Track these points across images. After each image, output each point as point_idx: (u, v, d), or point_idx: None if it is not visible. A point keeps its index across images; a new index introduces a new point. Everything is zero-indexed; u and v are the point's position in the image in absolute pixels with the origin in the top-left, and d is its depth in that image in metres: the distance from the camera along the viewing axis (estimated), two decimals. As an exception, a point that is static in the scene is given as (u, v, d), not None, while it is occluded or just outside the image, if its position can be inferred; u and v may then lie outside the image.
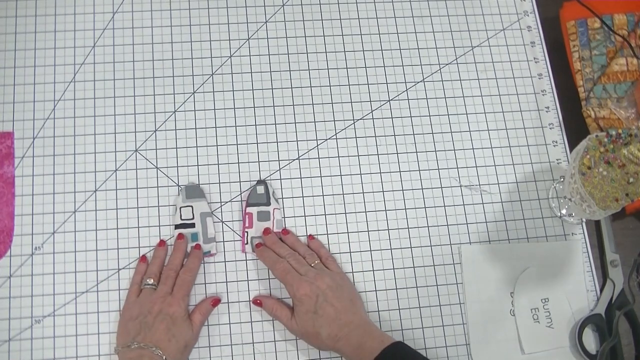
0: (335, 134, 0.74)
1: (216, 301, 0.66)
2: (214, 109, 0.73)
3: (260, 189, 0.70)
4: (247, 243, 0.68)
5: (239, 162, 0.72)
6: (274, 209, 0.69)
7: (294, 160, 0.72)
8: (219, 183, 0.71)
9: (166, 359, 0.59)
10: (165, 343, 0.60)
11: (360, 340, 0.60)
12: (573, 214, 0.72)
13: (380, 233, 0.70)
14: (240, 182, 0.71)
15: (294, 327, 0.63)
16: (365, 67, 0.76)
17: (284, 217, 0.70)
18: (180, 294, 0.63)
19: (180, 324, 0.62)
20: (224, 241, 0.69)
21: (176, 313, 0.62)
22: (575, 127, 0.75)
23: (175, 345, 0.60)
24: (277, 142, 0.73)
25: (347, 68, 0.76)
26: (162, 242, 0.67)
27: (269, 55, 0.76)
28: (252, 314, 0.67)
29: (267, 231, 0.68)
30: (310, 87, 0.75)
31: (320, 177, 0.72)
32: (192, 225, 0.68)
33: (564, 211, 0.72)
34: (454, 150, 0.74)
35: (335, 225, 0.70)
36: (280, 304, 0.65)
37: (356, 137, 0.74)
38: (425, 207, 0.72)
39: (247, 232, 0.68)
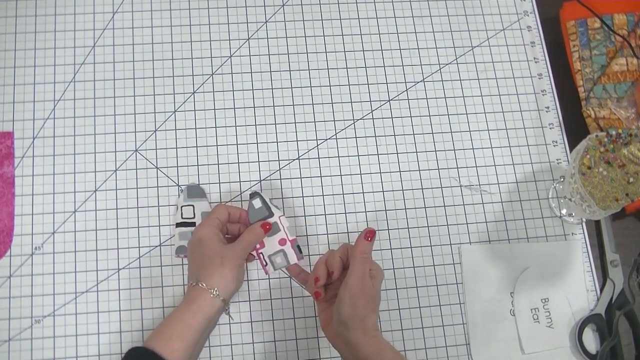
0: (335, 134, 0.74)
1: (265, 225, 0.62)
2: (214, 109, 0.73)
3: (257, 203, 0.64)
4: (266, 264, 0.64)
5: (239, 162, 0.72)
6: (279, 216, 0.64)
7: (294, 160, 0.72)
8: (219, 183, 0.71)
9: (201, 284, 0.56)
10: (194, 265, 0.58)
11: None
12: (573, 214, 0.72)
13: (380, 233, 0.70)
14: (240, 182, 0.71)
15: (366, 287, 0.57)
16: (365, 67, 0.76)
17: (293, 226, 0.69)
18: (210, 215, 0.61)
19: (201, 246, 0.59)
20: (224, 241, 0.69)
21: (203, 235, 0.59)
22: (575, 127, 0.75)
23: (206, 266, 0.57)
24: (277, 142, 0.73)
25: (347, 68, 0.76)
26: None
27: (269, 55, 0.76)
28: (252, 314, 0.67)
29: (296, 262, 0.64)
30: (310, 87, 0.75)
31: (320, 177, 0.72)
32: (193, 224, 0.68)
33: (564, 211, 0.72)
34: (454, 150, 0.74)
35: (335, 225, 0.70)
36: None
37: (356, 137, 0.74)
38: (425, 207, 0.72)
39: (261, 253, 0.64)
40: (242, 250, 0.60)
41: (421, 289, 0.69)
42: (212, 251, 0.58)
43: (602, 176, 0.60)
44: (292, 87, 0.75)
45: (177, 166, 0.71)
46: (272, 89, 0.75)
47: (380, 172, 0.73)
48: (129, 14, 0.76)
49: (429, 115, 0.75)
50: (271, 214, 0.64)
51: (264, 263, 0.64)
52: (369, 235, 0.59)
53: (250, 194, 0.64)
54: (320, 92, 0.75)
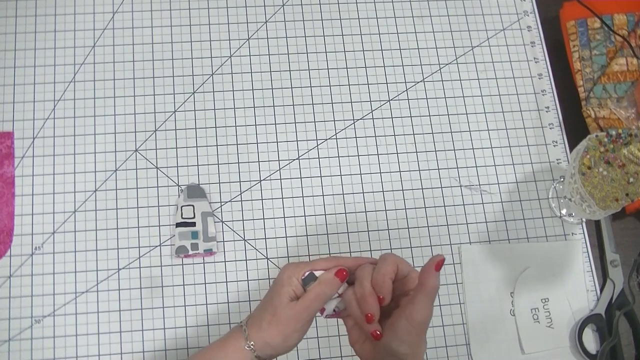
0: (335, 134, 0.74)
1: (340, 273, 0.50)
2: (214, 109, 0.73)
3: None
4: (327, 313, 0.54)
5: (239, 162, 0.72)
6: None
7: (294, 160, 0.72)
8: (219, 183, 0.71)
9: (245, 329, 0.50)
10: (261, 303, 0.51)
11: None
12: (573, 214, 0.72)
13: (380, 233, 0.70)
14: (240, 182, 0.71)
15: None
16: (365, 67, 0.76)
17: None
18: (295, 264, 0.52)
19: (274, 286, 0.50)
20: (224, 241, 0.69)
21: (284, 276, 0.50)
22: (575, 127, 0.75)
23: (260, 313, 0.50)
24: (277, 142, 0.73)
25: (347, 68, 0.76)
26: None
27: (269, 55, 0.76)
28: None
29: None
30: (310, 87, 0.75)
31: (320, 177, 0.72)
32: (193, 224, 0.68)
33: (564, 211, 0.72)
34: (454, 150, 0.74)
35: (335, 225, 0.70)
36: None
37: (356, 137, 0.74)
38: (425, 207, 0.72)
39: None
40: (304, 309, 0.49)
41: (421, 289, 0.69)
42: (272, 300, 0.50)
43: (602, 176, 0.60)
44: (292, 87, 0.75)
45: (177, 166, 0.71)
46: (272, 89, 0.75)
47: (380, 172, 0.73)
48: (129, 14, 0.76)
49: (429, 115, 0.75)
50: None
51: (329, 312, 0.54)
52: (440, 264, 0.47)
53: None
54: (320, 92, 0.75)
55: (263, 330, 0.49)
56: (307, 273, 0.52)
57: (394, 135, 0.74)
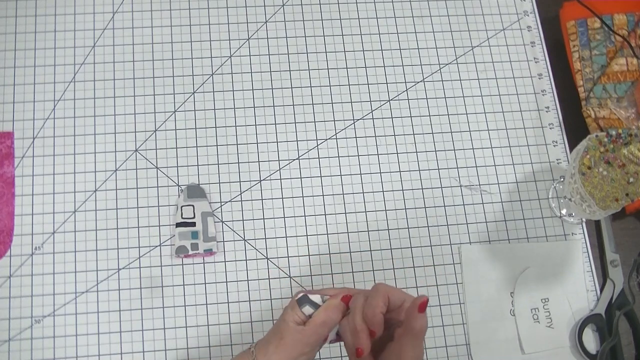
0: (335, 134, 0.74)
1: (347, 298, 0.51)
2: (214, 109, 0.73)
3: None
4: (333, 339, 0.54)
5: (239, 162, 0.72)
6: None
7: (294, 160, 0.72)
8: (219, 183, 0.71)
9: (253, 350, 0.51)
10: (273, 326, 0.52)
11: None
12: (573, 214, 0.72)
13: (380, 233, 0.70)
14: (240, 182, 0.71)
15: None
16: (365, 67, 0.76)
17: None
18: (306, 290, 0.53)
19: (283, 312, 0.52)
20: (224, 241, 0.69)
21: (288, 304, 0.52)
22: (575, 127, 0.75)
23: (268, 337, 0.51)
24: (277, 142, 0.73)
25: (347, 68, 0.76)
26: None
27: (269, 55, 0.76)
28: (252, 313, 0.67)
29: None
30: (310, 87, 0.75)
31: (320, 177, 0.72)
32: (193, 224, 0.68)
33: (564, 211, 0.72)
34: (454, 150, 0.74)
35: (335, 225, 0.70)
36: None
37: (356, 137, 0.74)
38: (425, 207, 0.72)
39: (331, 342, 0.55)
40: (311, 334, 0.50)
41: (421, 289, 0.69)
42: (279, 325, 0.51)
43: (602, 176, 0.60)
44: (292, 87, 0.75)
45: (177, 166, 0.71)
46: (272, 89, 0.75)
47: (380, 172, 0.73)
48: (129, 14, 0.76)
49: (429, 115, 0.75)
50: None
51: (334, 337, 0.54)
52: (423, 306, 0.47)
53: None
54: (320, 92, 0.75)
55: (270, 354, 0.50)
56: (300, 295, 0.52)
57: (394, 135, 0.74)
